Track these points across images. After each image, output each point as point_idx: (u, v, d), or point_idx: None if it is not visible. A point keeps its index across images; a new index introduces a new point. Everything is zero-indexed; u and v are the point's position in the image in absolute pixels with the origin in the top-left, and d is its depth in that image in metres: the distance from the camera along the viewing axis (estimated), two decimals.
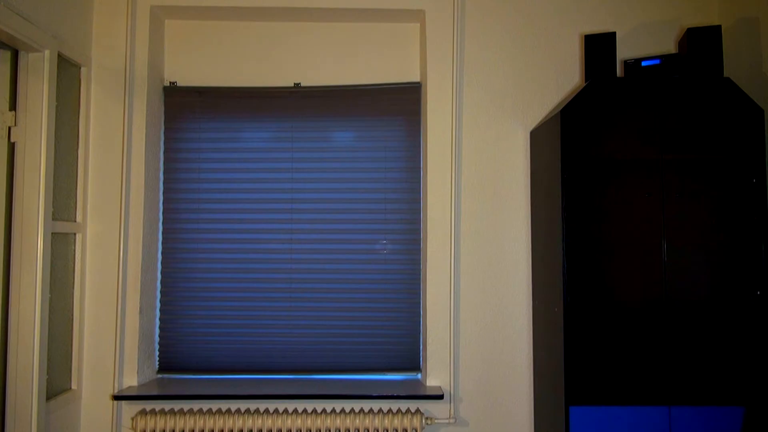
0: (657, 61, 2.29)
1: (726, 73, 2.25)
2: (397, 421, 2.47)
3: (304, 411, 2.50)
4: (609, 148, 2.22)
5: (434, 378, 2.56)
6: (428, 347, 2.57)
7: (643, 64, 2.31)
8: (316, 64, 2.78)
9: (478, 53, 2.67)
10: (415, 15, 2.71)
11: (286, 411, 2.49)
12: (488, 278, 2.61)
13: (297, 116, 2.77)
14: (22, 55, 2.22)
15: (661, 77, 2.27)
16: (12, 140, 2.24)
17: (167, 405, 2.54)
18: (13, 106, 2.25)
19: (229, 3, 2.64)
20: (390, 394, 2.48)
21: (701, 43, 2.23)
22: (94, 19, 2.62)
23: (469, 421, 2.57)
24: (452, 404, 2.56)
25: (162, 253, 2.74)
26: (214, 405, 2.56)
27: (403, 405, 2.55)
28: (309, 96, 2.77)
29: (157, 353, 2.70)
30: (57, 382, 2.39)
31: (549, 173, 2.32)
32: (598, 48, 2.31)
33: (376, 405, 2.56)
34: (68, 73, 2.45)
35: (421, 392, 2.47)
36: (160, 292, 2.72)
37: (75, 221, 2.51)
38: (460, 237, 2.61)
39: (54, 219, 2.31)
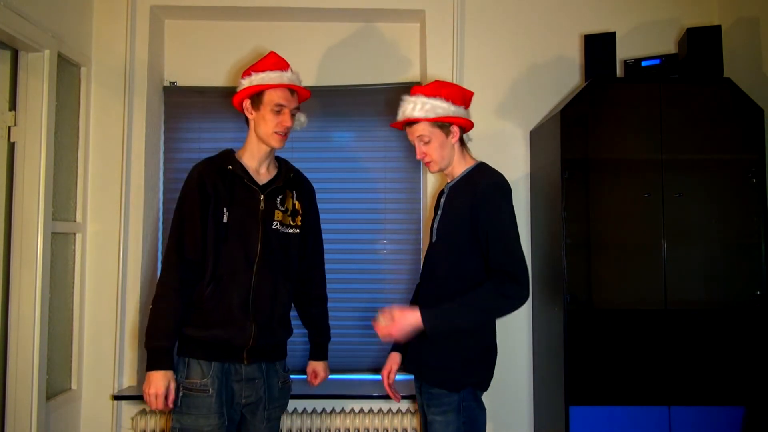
0: (657, 61, 2.29)
1: (726, 73, 2.25)
2: (397, 421, 2.47)
3: (304, 411, 2.50)
4: (609, 148, 2.22)
5: None
6: None
7: (643, 64, 2.31)
8: (316, 64, 2.77)
9: (478, 53, 2.67)
10: (415, 15, 2.71)
11: (286, 411, 2.48)
12: None
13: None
14: (22, 55, 2.22)
15: (661, 77, 2.27)
16: (12, 140, 2.23)
17: None
18: (13, 106, 2.24)
19: (229, 3, 2.64)
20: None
21: (701, 43, 2.23)
22: (94, 19, 2.61)
23: None
24: None
25: (162, 252, 2.74)
26: None
27: (403, 405, 2.55)
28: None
29: None
30: (57, 382, 2.39)
31: (549, 173, 2.32)
32: (598, 48, 2.31)
33: (376, 405, 2.55)
34: (68, 73, 2.45)
35: None
36: None
37: (75, 221, 2.51)
38: None
39: (54, 219, 2.31)
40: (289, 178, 1.97)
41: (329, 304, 2.67)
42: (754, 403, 2.07)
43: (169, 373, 1.75)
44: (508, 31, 2.67)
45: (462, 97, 1.90)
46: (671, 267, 2.13)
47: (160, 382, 1.73)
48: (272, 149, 1.91)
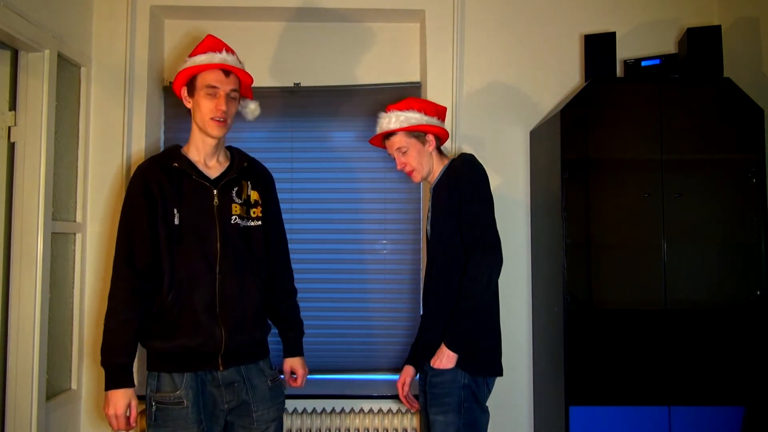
0: (657, 61, 2.30)
1: (726, 73, 2.25)
2: (397, 421, 2.47)
3: (304, 411, 2.51)
4: (609, 148, 2.22)
5: None
6: None
7: (643, 64, 2.31)
8: (316, 64, 2.78)
9: (478, 53, 2.66)
10: (415, 15, 2.71)
11: (285, 410, 2.48)
12: None
13: (297, 116, 2.77)
14: (22, 55, 2.22)
15: (661, 77, 2.27)
16: (12, 140, 2.23)
17: None
18: (13, 106, 2.24)
19: (229, 3, 2.64)
20: (390, 395, 2.48)
21: (701, 43, 2.23)
22: (94, 19, 2.61)
23: None
24: None
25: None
26: None
27: (403, 405, 2.55)
28: (309, 96, 2.77)
29: None
30: (57, 382, 2.39)
31: (549, 173, 2.32)
32: (598, 48, 2.31)
33: (376, 405, 2.55)
34: (68, 73, 2.45)
35: None
36: None
37: (75, 221, 2.51)
38: None
39: (54, 219, 2.31)
40: (243, 167, 1.83)
41: (328, 304, 2.70)
42: (754, 403, 2.07)
43: (129, 391, 1.65)
44: (508, 30, 2.67)
45: (434, 110, 2.00)
46: (671, 267, 2.13)
47: (119, 401, 1.63)
48: (218, 140, 1.77)
